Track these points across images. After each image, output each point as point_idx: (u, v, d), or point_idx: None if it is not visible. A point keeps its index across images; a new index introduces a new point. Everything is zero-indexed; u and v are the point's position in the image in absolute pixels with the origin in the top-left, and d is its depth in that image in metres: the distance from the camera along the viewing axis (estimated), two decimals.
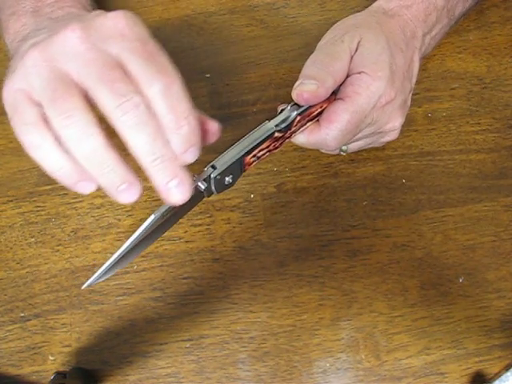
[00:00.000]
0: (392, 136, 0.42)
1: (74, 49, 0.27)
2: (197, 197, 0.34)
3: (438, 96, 0.48)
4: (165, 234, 0.44)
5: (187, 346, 0.42)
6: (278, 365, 0.41)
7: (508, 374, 0.39)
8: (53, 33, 0.28)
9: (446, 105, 0.48)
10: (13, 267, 0.45)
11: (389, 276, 0.43)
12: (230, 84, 0.50)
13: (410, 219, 0.44)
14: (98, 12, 0.29)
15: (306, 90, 0.35)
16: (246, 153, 0.34)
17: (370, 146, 0.44)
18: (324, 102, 0.37)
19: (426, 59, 0.50)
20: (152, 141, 0.27)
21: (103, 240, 0.45)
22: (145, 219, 0.33)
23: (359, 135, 0.39)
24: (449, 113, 0.48)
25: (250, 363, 0.41)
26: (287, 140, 0.37)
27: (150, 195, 0.46)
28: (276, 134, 0.35)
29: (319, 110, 0.37)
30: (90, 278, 0.33)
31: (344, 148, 0.43)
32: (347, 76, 0.37)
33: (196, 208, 0.45)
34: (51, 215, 0.46)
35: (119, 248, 0.33)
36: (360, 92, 0.36)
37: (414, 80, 0.42)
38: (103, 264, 0.33)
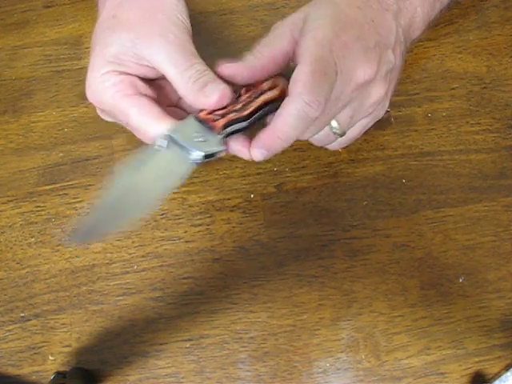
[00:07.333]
0: (375, 93, 0.39)
1: None
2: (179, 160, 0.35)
3: (438, 96, 0.48)
4: (164, 234, 0.45)
5: (187, 346, 0.42)
6: (278, 365, 0.41)
7: (508, 373, 0.39)
8: None
9: (445, 105, 0.48)
10: (13, 267, 0.45)
11: (389, 276, 0.43)
12: None
13: (409, 219, 0.44)
14: None
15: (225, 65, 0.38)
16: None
17: (364, 120, 0.41)
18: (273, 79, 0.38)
19: (425, 59, 0.50)
20: None
21: (103, 240, 0.45)
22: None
23: (335, 93, 0.37)
24: (449, 113, 0.48)
25: (250, 363, 0.41)
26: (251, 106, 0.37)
27: None
28: None
29: (270, 83, 0.38)
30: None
31: (335, 126, 0.40)
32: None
33: (196, 208, 0.46)
34: (51, 215, 0.46)
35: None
36: (309, 45, 0.37)
37: (391, 37, 0.40)
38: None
